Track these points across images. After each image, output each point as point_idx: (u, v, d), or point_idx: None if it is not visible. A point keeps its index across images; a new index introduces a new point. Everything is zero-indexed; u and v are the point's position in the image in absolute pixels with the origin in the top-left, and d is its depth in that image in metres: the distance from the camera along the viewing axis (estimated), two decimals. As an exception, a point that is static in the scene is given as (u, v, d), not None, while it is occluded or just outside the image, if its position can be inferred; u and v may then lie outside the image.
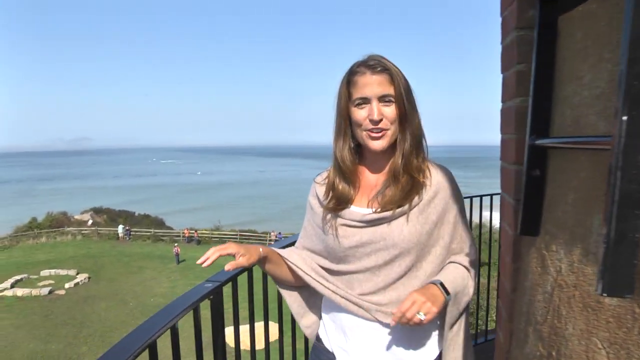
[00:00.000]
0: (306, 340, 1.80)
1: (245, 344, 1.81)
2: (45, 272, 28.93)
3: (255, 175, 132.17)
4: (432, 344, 1.47)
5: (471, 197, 3.56)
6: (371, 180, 1.49)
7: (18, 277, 27.70)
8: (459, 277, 1.40)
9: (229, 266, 1.35)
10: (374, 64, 1.37)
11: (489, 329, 3.93)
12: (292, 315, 1.77)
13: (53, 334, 20.75)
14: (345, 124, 1.45)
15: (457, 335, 1.43)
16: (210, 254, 1.33)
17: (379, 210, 1.39)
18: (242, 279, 1.78)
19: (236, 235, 38.31)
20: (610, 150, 0.63)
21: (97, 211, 48.09)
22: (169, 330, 1.14)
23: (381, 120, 1.37)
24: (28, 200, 73.64)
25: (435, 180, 1.44)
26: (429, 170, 1.45)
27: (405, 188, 1.39)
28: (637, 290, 0.65)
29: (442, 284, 1.35)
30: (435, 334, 1.48)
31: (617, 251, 0.62)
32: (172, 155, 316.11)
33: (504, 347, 1.28)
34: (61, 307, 23.86)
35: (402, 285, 1.40)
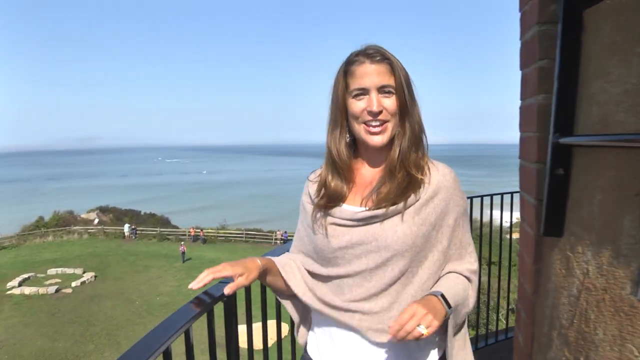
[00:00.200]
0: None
1: (254, 344, 1.79)
2: (52, 271, 29.05)
3: (261, 174, 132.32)
4: (426, 356, 1.34)
5: (482, 197, 3.52)
6: (367, 176, 1.40)
7: (25, 276, 27.81)
8: (461, 289, 1.30)
9: (228, 289, 1.28)
10: (373, 53, 1.29)
11: (499, 329, 3.88)
12: None
13: (60, 332, 20.83)
14: (342, 117, 1.36)
15: (459, 349, 1.34)
16: (203, 277, 1.25)
17: (372, 208, 1.30)
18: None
19: (242, 234, 38.35)
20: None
21: (103, 210, 48.26)
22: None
23: (381, 112, 1.28)
24: (35, 199, 74.07)
25: (435, 179, 1.33)
26: (429, 168, 1.35)
27: (402, 185, 1.30)
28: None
29: (443, 296, 1.23)
30: (428, 347, 1.35)
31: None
32: (177, 154, 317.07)
33: (525, 351, 1.25)
34: (68, 305, 23.94)
35: (396, 291, 1.29)
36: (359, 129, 1.32)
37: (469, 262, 1.37)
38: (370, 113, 1.28)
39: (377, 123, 1.29)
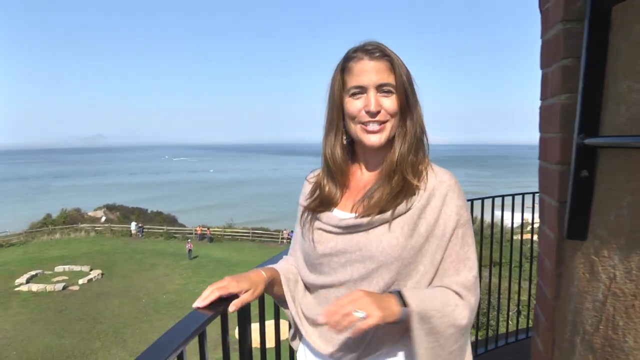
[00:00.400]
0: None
1: (256, 342, 1.76)
2: (59, 268, 29.23)
3: (267, 173, 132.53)
4: None
5: (493, 197, 3.50)
6: (362, 180, 1.33)
7: (33, 273, 28.00)
8: (438, 299, 1.16)
9: (232, 307, 1.22)
10: (372, 49, 1.22)
11: (509, 330, 3.85)
12: None
13: (67, 329, 20.93)
14: (338, 117, 1.29)
15: None
16: (208, 294, 1.20)
17: (359, 215, 1.23)
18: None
19: (248, 233, 38.40)
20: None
21: (110, 208, 48.49)
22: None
23: (379, 112, 1.21)
24: (43, 196, 74.59)
25: (430, 185, 1.23)
26: (427, 173, 1.25)
27: (394, 191, 1.21)
28: None
29: (400, 293, 1.13)
30: None
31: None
32: (184, 153, 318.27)
33: (545, 356, 1.22)
34: (75, 302, 24.07)
35: None
36: (356, 129, 1.25)
37: (465, 278, 1.21)
38: (368, 113, 1.22)
39: (375, 124, 1.22)
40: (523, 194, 3.68)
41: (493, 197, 3.50)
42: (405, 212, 1.20)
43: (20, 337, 20.04)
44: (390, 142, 1.26)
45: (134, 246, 35.46)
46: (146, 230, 39.90)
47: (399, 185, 1.22)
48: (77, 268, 29.27)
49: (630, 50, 0.90)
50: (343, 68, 1.26)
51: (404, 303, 1.11)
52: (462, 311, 1.17)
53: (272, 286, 1.37)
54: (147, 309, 23.17)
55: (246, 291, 1.25)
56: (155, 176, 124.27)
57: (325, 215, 1.30)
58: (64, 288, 25.99)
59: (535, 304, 1.38)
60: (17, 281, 26.59)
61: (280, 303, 1.47)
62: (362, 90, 1.22)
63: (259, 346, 1.67)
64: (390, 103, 1.22)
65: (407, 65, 1.25)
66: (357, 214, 1.23)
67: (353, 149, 1.37)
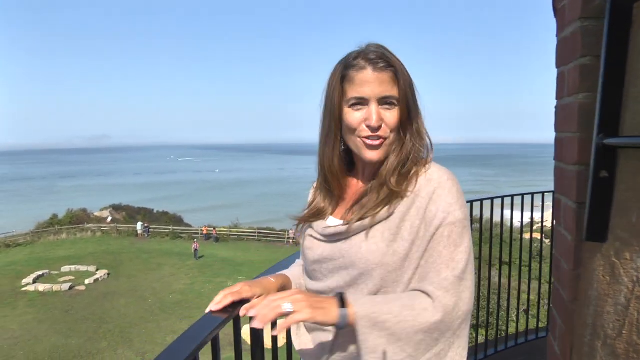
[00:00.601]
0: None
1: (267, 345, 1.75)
2: (65, 268, 29.38)
3: (273, 173, 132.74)
4: None
5: (502, 197, 3.48)
6: (356, 189, 1.28)
7: (40, 273, 28.16)
8: (398, 301, 1.07)
9: (243, 311, 1.17)
10: (376, 59, 1.14)
11: (519, 331, 3.82)
12: None
13: (73, 329, 21.03)
14: (337, 127, 1.22)
15: None
16: (221, 299, 1.19)
17: (343, 223, 1.20)
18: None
19: (254, 232, 38.46)
20: None
21: (116, 208, 48.68)
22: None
23: (380, 127, 1.15)
24: (49, 196, 74.98)
25: (417, 187, 1.16)
26: (417, 178, 1.18)
27: (379, 198, 1.17)
28: None
29: (341, 295, 1.07)
30: None
31: None
32: (189, 153, 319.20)
33: (563, 360, 1.20)
34: (81, 302, 24.18)
35: None
36: (355, 142, 1.20)
37: (443, 277, 1.09)
38: (369, 127, 1.15)
39: (375, 139, 1.16)
40: (532, 194, 3.66)
41: (502, 197, 3.48)
42: (386, 218, 1.16)
43: (27, 337, 20.15)
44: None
45: (140, 246, 35.58)
46: (152, 230, 40.04)
47: (384, 192, 1.17)
48: (83, 268, 29.41)
49: (653, 48, 0.88)
50: (343, 76, 1.18)
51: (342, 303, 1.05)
52: (432, 315, 1.05)
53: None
54: (154, 309, 23.25)
55: (258, 296, 1.24)
56: (161, 176, 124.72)
57: (317, 223, 1.29)
58: (71, 288, 26.13)
59: (551, 306, 1.36)
60: (24, 281, 26.75)
61: None
62: (362, 102, 1.15)
63: (269, 347, 1.67)
64: (391, 117, 1.16)
65: (408, 66, 1.19)
66: (342, 222, 1.22)
67: (350, 157, 1.32)
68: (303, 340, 1.31)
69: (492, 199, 3.45)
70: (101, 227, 41.39)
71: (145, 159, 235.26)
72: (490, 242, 3.61)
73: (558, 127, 1.28)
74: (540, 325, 3.72)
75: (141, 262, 31.11)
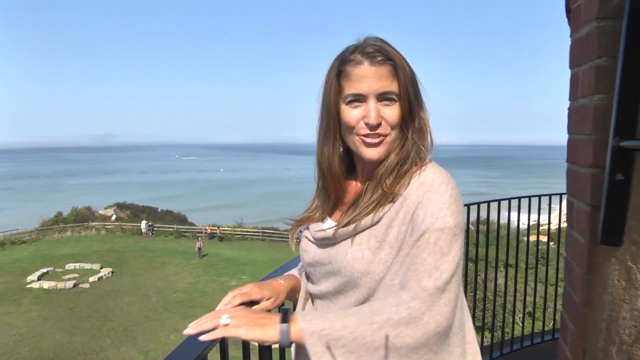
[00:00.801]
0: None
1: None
2: (70, 266, 29.47)
3: (278, 173, 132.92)
4: None
5: (509, 199, 3.47)
6: (356, 191, 1.22)
7: (44, 270, 28.27)
8: (357, 315, 0.95)
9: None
10: (373, 52, 1.08)
11: (529, 331, 3.80)
12: None
13: (77, 326, 21.09)
14: (335, 126, 1.16)
15: None
16: (230, 300, 1.16)
17: (334, 227, 1.15)
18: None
19: (258, 232, 38.46)
20: None
21: (120, 206, 48.79)
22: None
23: (380, 124, 1.09)
24: (54, 194, 75.36)
25: (408, 190, 1.08)
26: (410, 180, 1.09)
27: (372, 199, 1.11)
28: None
29: (285, 310, 0.98)
30: None
31: None
32: (193, 152, 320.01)
33: (575, 365, 1.18)
34: (85, 300, 24.25)
35: None
36: (354, 141, 1.14)
37: (424, 289, 0.97)
38: (367, 125, 1.09)
39: (375, 136, 1.10)
40: (540, 196, 3.64)
41: (509, 199, 3.47)
42: (375, 224, 1.09)
43: (32, 334, 20.23)
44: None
45: (144, 244, 35.66)
46: (156, 228, 40.11)
47: (378, 194, 1.11)
48: (87, 266, 29.49)
49: (673, 49, 0.87)
50: (340, 71, 1.12)
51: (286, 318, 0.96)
52: (402, 329, 0.93)
53: (294, 294, 1.34)
54: (157, 308, 23.28)
55: (268, 299, 1.22)
56: (165, 175, 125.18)
57: (313, 225, 1.25)
58: (75, 286, 26.20)
59: (562, 310, 1.34)
60: (29, 278, 26.86)
61: None
62: (360, 98, 1.09)
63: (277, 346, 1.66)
64: (392, 113, 1.09)
65: (410, 62, 1.13)
66: (334, 226, 1.17)
67: (351, 158, 1.26)
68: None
69: (498, 200, 3.44)
70: (105, 225, 41.51)
71: (150, 158, 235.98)
72: (497, 244, 3.59)
73: (571, 128, 1.26)
74: (547, 328, 3.70)
75: (145, 261, 31.17)
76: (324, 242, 1.18)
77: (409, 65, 1.10)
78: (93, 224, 41.46)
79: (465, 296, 1.17)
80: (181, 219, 45.85)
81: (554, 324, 3.82)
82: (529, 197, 3.51)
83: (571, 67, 1.26)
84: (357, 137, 1.12)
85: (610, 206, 1.00)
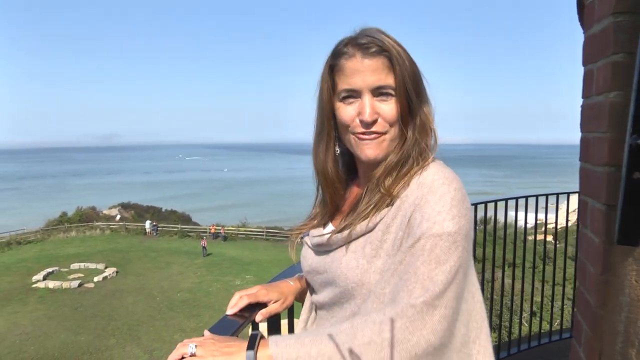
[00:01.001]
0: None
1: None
2: (75, 266, 29.54)
3: (282, 173, 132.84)
4: None
5: (517, 198, 3.44)
6: (357, 195, 1.14)
7: (50, 270, 28.36)
8: (334, 339, 0.85)
9: (260, 316, 1.14)
10: (367, 43, 0.99)
11: (538, 330, 3.77)
12: None
13: (82, 325, 21.13)
14: (329, 125, 1.09)
15: None
16: (237, 301, 1.14)
17: (330, 232, 1.09)
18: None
19: (262, 232, 38.45)
20: None
21: (124, 206, 48.90)
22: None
23: (375, 121, 1.01)
24: (59, 194, 75.64)
25: (407, 192, 0.99)
26: (410, 180, 1.01)
27: (371, 202, 1.03)
28: None
29: (254, 336, 0.89)
30: None
31: None
32: (197, 152, 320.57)
33: (590, 368, 1.16)
34: (90, 300, 24.29)
35: None
36: (350, 140, 1.06)
37: (412, 305, 0.84)
38: (362, 122, 1.01)
39: (371, 134, 1.03)
40: (547, 195, 3.61)
41: (516, 198, 3.45)
42: (370, 230, 1.01)
43: (38, 333, 20.29)
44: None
45: (148, 244, 35.70)
46: (160, 228, 40.19)
47: (377, 197, 1.02)
48: (92, 266, 29.56)
49: (694, 44, 0.85)
50: (332, 66, 1.05)
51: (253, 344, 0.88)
52: (386, 352, 0.82)
53: (304, 295, 1.30)
54: (161, 307, 23.30)
55: (275, 302, 1.20)
56: (170, 175, 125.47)
57: (314, 230, 1.18)
58: (80, 285, 26.26)
59: (575, 311, 1.32)
60: (34, 278, 26.95)
61: None
62: (354, 94, 1.02)
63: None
64: (389, 109, 1.01)
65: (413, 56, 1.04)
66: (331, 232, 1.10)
67: (352, 160, 1.18)
68: None
69: (506, 200, 3.42)
70: (110, 225, 41.62)
71: (154, 158, 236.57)
72: (504, 244, 3.56)
73: (584, 126, 1.24)
74: (554, 328, 3.67)
75: (149, 261, 31.21)
76: (320, 249, 1.12)
77: (408, 57, 1.02)
78: (97, 224, 41.58)
79: None
80: (185, 219, 45.90)
81: (561, 324, 3.79)
82: (536, 196, 3.48)
83: (584, 64, 1.24)
84: (352, 136, 1.05)
85: (628, 205, 0.98)
